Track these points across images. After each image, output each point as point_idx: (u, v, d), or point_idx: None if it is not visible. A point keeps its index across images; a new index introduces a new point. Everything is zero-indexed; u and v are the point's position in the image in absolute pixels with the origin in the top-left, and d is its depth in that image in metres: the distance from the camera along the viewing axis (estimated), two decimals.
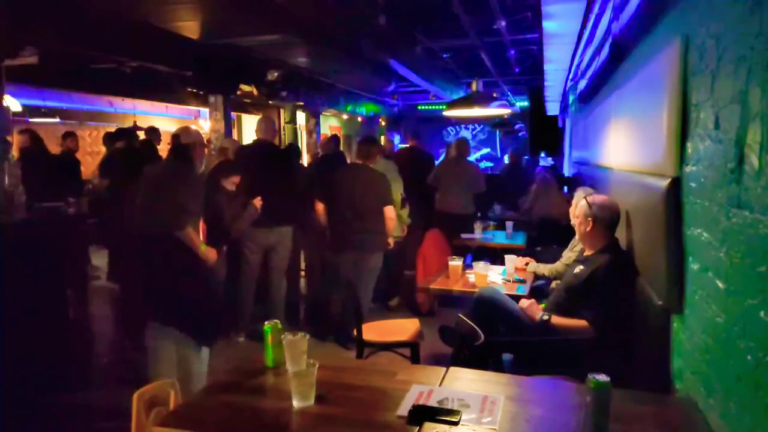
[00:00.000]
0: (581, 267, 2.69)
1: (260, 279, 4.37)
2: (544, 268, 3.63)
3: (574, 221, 2.88)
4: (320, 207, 4.37)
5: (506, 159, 9.72)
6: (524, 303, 2.80)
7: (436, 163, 6.64)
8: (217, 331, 3.06)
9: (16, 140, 5.82)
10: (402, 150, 7.10)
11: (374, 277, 4.20)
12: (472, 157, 14.30)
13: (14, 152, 4.75)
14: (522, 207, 6.40)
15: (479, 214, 6.35)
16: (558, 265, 3.56)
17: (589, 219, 2.68)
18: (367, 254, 4.09)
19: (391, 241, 4.29)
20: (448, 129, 15.73)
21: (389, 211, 4.09)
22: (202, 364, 2.93)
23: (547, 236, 5.15)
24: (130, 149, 5.73)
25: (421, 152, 6.49)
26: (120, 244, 4.86)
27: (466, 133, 15.92)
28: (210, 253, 3.06)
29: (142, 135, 6.69)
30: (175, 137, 3.12)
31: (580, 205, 2.78)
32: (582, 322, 2.53)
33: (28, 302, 3.37)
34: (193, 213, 2.95)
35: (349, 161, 5.46)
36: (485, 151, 15.30)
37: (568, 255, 3.51)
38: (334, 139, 6.00)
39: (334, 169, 4.47)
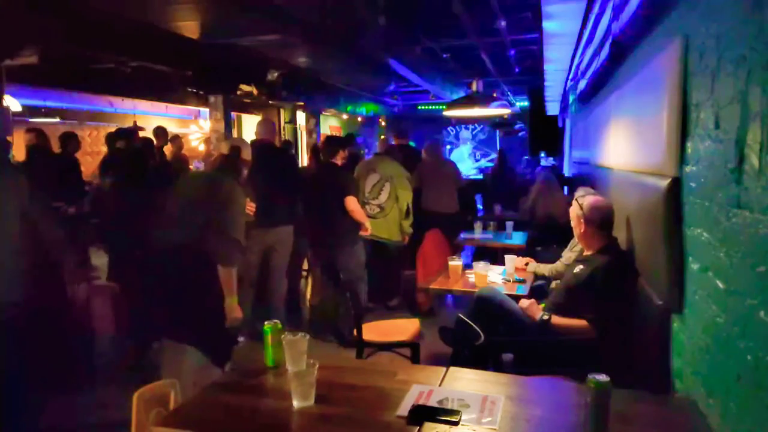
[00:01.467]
0: (581, 267, 2.69)
1: (260, 279, 4.37)
2: (544, 268, 3.63)
3: (572, 223, 2.90)
4: None
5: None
6: (524, 303, 2.80)
7: None
8: (231, 350, 2.97)
9: (23, 139, 5.83)
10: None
11: (360, 271, 4.20)
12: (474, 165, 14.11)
13: (14, 151, 4.75)
14: (522, 207, 6.39)
15: (477, 215, 6.34)
16: (558, 265, 3.55)
17: (581, 221, 2.69)
18: (342, 250, 4.13)
19: (366, 232, 4.26)
20: (448, 129, 15.74)
21: (350, 203, 4.10)
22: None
23: (547, 236, 5.15)
24: (131, 149, 5.73)
25: (410, 150, 6.42)
26: (122, 244, 4.85)
27: (466, 134, 15.93)
28: (236, 311, 2.84)
29: (144, 135, 6.68)
30: (235, 149, 2.96)
31: (573, 207, 2.80)
32: (582, 322, 2.53)
33: (28, 301, 3.36)
34: (236, 238, 2.81)
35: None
36: (492, 156, 15.25)
37: (568, 255, 3.51)
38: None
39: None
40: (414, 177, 5.88)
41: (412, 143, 7.28)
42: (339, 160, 4.25)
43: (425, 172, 5.89)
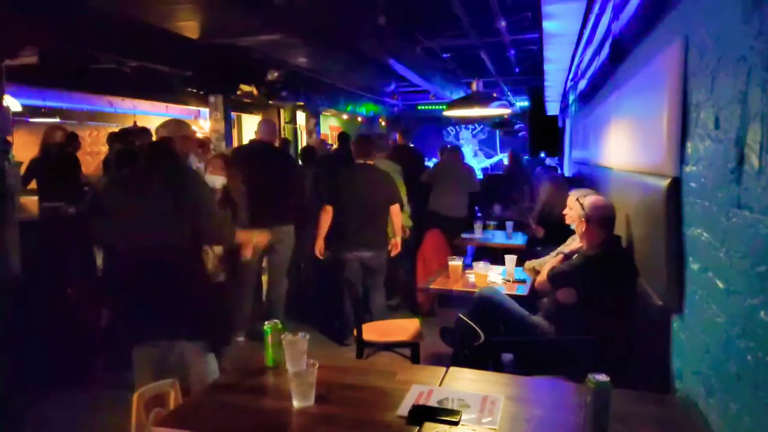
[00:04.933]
0: (576, 257, 2.72)
1: (260, 279, 4.37)
2: (544, 263, 3.62)
3: (571, 223, 2.90)
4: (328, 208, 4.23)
5: (505, 160, 9.71)
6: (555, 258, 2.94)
7: (426, 161, 6.58)
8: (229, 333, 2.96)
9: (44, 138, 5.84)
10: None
11: (384, 274, 4.25)
12: (481, 164, 14.06)
13: (14, 152, 4.74)
14: (521, 206, 6.39)
15: (479, 214, 6.34)
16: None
17: (582, 219, 2.69)
18: (377, 252, 4.15)
19: (398, 240, 4.28)
20: (448, 129, 15.72)
21: (396, 210, 4.17)
22: (213, 367, 2.83)
23: (548, 236, 5.14)
24: (130, 149, 5.72)
25: (411, 151, 6.42)
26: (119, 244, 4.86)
27: (466, 133, 15.92)
28: (261, 237, 3.23)
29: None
30: (156, 132, 3.00)
31: (573, 207, 2.80)
32: (543, 275, 2.71)
33: (29, 300, 3.37)
34: (219, 213, 2.81)
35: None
36: (498, 158, 15.07)
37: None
38: (342, 137, 6.02)
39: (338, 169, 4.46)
40: (426, 174, 5.88)
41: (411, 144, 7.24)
42: (373, 159, 4.26)
43: (440, 172, 5.89)
